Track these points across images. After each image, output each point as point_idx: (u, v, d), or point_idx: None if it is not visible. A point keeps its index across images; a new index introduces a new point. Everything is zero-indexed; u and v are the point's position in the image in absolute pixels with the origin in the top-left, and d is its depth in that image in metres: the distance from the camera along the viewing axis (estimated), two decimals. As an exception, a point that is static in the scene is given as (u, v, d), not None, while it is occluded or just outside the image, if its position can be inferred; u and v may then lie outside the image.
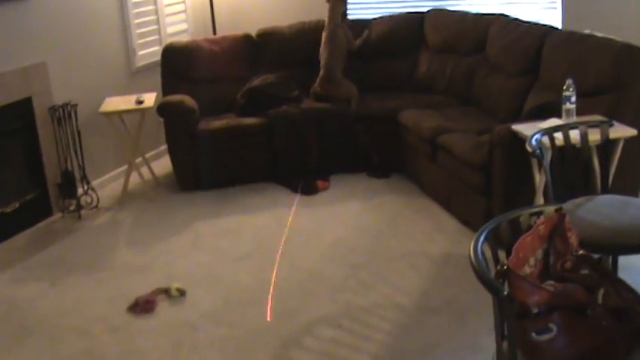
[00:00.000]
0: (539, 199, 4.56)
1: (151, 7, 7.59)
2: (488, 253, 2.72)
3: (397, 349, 4.11)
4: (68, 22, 6.53)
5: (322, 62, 7.18)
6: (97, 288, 5.06)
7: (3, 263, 5.53)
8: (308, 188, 6.54)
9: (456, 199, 5.74)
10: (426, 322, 4.36)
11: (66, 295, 4.99)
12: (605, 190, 4.28)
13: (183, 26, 8.16)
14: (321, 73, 7.14)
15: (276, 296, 4.79)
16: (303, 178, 6.69)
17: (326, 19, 7.28)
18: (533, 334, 2.53)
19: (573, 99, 4.75)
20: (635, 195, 4.56)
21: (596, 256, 2.78)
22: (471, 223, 5.53)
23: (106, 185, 6.98)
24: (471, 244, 2.64)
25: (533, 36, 6.08)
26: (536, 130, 4.27)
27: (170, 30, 7.91)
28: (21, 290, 5.09)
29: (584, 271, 2.66)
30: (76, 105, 6.32)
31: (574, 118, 4.72)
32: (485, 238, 2.71)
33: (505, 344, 2.61)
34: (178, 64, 7.30)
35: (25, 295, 5.01)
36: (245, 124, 6.79)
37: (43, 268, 5.42)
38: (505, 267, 2.50)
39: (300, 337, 4.29)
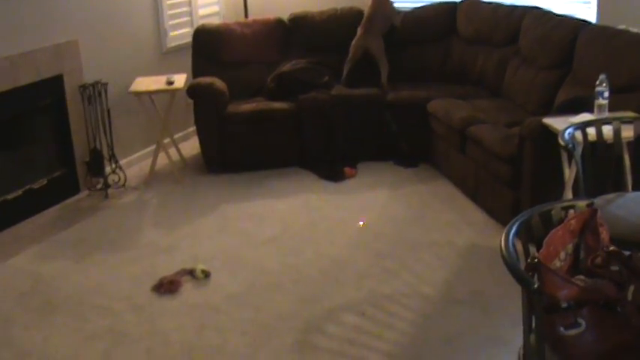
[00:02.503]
0: (568, 194, 4.53)
1: (183, -12, 7.61)
2: (518, 246, 2.70)
3: (420, 339, 4.10)
4: (101, 1, 6.55)
5: (364, 19, 7.20)
6: (121, 267, 5.09)
7: (30, 239, 5.57)
8: (335, 175, 6.53)
9: (484, 190, 5.72)
10: (449, 313, 4.35)
11: (91, 272, 5.02)
12: (636, 186, 4.25)
13: (215, 9, 8.17)
14: (362, 25, 7.17)
15: (300, 281, 4.79)
16: (331, 164, 6.68)
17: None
18: (562, 329, 2.52)
19: (606, 94, 4.71)
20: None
21: (627, 252, 2.75)
22: (497, 215, 5.51)
23: (134, 165, 7.01)
24: (501, 236, 2.63)
25: (566, 29, 6.02)
26: (568, 124, 4.23)
27: (202, 12, 7.92)
28: (47, 266, 5.12)
29: (615, 268, 2.64)
30: (106, 84, 6.34)
31: (606, 114, 4.68)
32: (517, 231, 2.69)
33: (533, 338, 2.59)
34: (209, 46, 7.31)
35: (51, 272, 5.04)
36: (274, 108, 6.79)
37: (69, 245, 5.45)
38: (536, 259, 2.48)
39: (323, 323, 4.30)
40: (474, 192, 5.90)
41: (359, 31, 7.13)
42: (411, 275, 4.81)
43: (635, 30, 5.57)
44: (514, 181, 5.23)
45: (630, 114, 4.69)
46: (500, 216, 5.42)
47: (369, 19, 7.15)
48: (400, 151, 6.83)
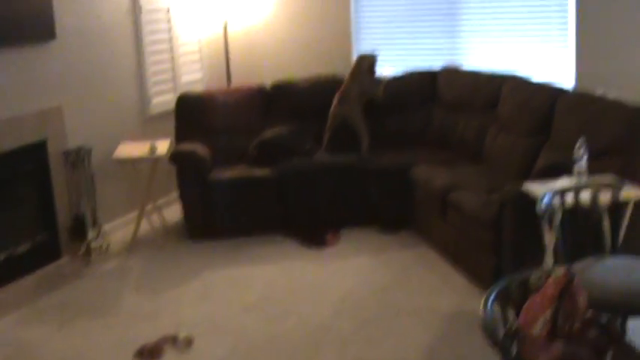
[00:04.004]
0: (549, 259, 4.56)
1: (166, 56, 7.68)
2: (497, 313, 2.73)
3: (403, 406, 4.09)
4: (85, 67, 6.62)
5: (341, 88, 7.23)
6: (103, 333, 5.06)
7: (11, 305, 5.54)
8: (318, 241, 6.54)
9: (466, 256, 5.75)
10: (432, 379, 4.35)
11: (72, 339, 4.99)
12: (615, 251, 4.28)
13: (198, 75, 8.24)
14: (338, 94, 7.20)
15: (283, 348, 4.78)
16: (313, 230, 6.69)
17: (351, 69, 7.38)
18: (541, 395, 2.53)
19: (584, 159, 4.77)
20: (644, 257, 4.57)
21: (604, 317, 2.78)
22: (479, 280, 5.52)
23: (117, 230, 7.00)
24: (480, 304, 2.65)
25: (544, 96, 6.12)
26: (546, 191, 4.28)
27: (185, 79, 7.99)
28: (28, 333, 5.10)
29: (593, 333, 2.67)
30: (89, 149, 6.38)
31: (585, 179, 4.74)
32: (495, 298, 2.72)
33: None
34: (192, 113, 7.36)
35: (32, 338, 5.01)
36: (256, 175, 6.83)
37: (51, 312, 5.43)
38: (514, 327, 2.50)
39: (306, 390, 4.28)
40: (456, 257, 5.92)
41: (335, 99, 7.20)
42: (394, 341, 4.80)
43: (611, 95, 5.66)
44: (495, 246, 5.26)
45: (608, 179, 4.75)
46: (482, 281, 5.43)
47: (346, 88, 7.20)
48: (382, 218, 6.86)
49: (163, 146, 6.74)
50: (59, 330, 5.13)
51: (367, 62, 7.28)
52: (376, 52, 7.28)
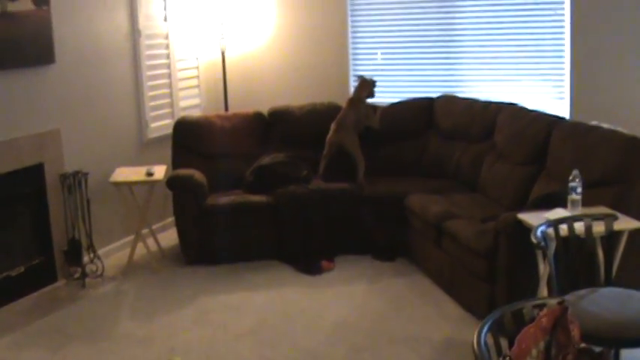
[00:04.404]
0: (543, 289, 4.57)
1: (165, 81, 7.72)
2: (491, 342, 2.74)
3: None
4: (84, 91, 6.65)
5: (339, 115, 7.26)
6: (97, 358, 5.06)
7: (4, 327, 5.54)
8: (312, 268, 6.55)
9: (460, 285, 5.76)
10: (425, 408, 4.35)
11: (66, 363, 4.99)
12: (609, 282, 4.30)
13: (196, 101, 8.28)
14: (335, 121, 7.22)
15: (276, 374, 4.78)
16: (308, 257, 6.70)
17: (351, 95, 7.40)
18: None
19: (579, 190, 4.79)
20: (638, 288, 4.58)
21: (597, 349, 2.79)
22: (474, 309, 5.53)
23: (112, 254, 7.00)
24: (474, 334, 2.66)
25: (540, 126, 6.14)
26: (541, 222, 4.30)
27: (183, 104, 8.03)
28: (21, 356, 5.09)
29: (586, 365, 2.68)
30: (86, 173, 6.40)
31: (579, 209, 4.76)
32: (489, 329, 2.73)
33: None
34: (189, 138, 7.39)
35: (26, 362, 5.01)
36: (252, 201, 6.85)
37: (45, 335, 5.42)
38: (507, 358, 2.51)
39: (299, 418, 4.28)
40: (450, 286, 5.93)
41: (331, 127, 7.22)
42: (387, 369, 4.81)
43: (606, 126, 5.69)
44: (489, 275, 5.27)
45: (603, 209, 4.77)
46: (477, 310, 5.44)
47: (342, 116, 7.23)
48: (377, 245, 6.87)
49: (160, 171, 6.76)
50: (53, 354, 5.12)
51: (367, 90, 7.32)
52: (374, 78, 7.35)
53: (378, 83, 7.34)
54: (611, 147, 5.36)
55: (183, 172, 6.90)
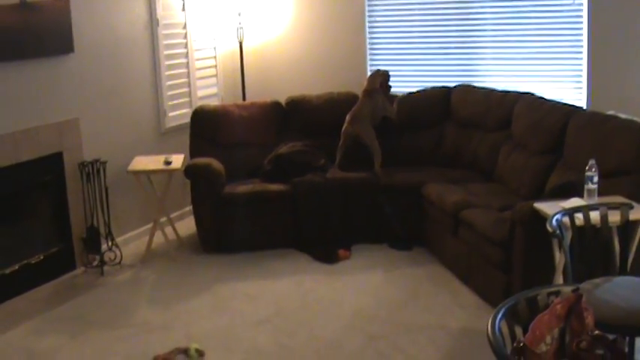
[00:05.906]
0: (559, 278, 4.58)
1: (183, 70, 7.75)
2: (506, 330, 2.76)
3: (411, 421, 4.10)
4: (102, 81, 6.70)
5: (354, 106, 7.27)
6: (115, 344, 5.10)
7: (24, 314, 5.59)
8: (329, 257, 6.58)
9: (476, 273, 5.77)
10: (441, 396, 4.36)
11: (84, 350, 5.03)
12: (624, 271, 4.30)
13: (214, 90, 8.31)
14: (350, 112, 7.23)
15: (292, 362, 4.81)
16: (325, 246, 6.73)
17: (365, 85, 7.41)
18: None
19: (595, 179, 4.79)
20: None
21: (611, 336, 2.80)
22: (489, 297, 5.54)
23: (130, 242, 7.05)
24: (489, 321, 2.68)
25: (557, 115, 6.13)
26: (557, 210, 4.31)
27: (200, 93, 8.05)
28: (40, 343, 5.14)
29: (600, 352, 2.69)
30: (105, 162, 6.43)
31: (596, 199, 4.76)
32: (504, 316, 2.75)
33: (519, 421, 2.63)
34: (207, 127, 7.42)
35: (44, 348, 5.05)
36: (270, 190, 6.87)
37: (63, 322, 5.47)
38: (521, 344, 2.53)
39: (315, 404, 4.30)
40: (467, 275, 5.94)
41: (346, 119, 7.23)
42: (404, 357, 4.82)
43: (623, 116, 5.68)
44: (506, 264, 5.28)
45: (619, 199, 4.77)
46: (493, 299, 5.45)
47: (357, 108, 7.23)
48: (394, 234, 6.89)
49: (178, 160, 6.79)
50: (72, 340, 5.17)
51: (380, 79, 7.32)
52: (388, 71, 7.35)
53: (395, 73, 7.32)
54: (627, 137, 5.35)
55: (200, 160, 6.93)
